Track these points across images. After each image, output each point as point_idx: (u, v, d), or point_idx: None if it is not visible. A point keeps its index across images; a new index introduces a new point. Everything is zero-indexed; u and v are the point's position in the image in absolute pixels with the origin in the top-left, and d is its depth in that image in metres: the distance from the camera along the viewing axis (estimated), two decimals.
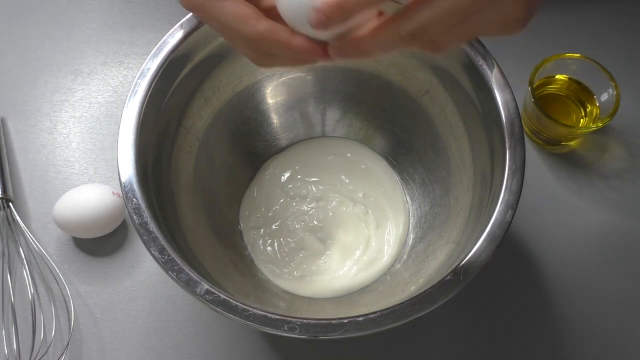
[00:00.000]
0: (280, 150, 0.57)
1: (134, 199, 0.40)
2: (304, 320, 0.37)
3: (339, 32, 0.31)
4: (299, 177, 0.55)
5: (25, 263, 0.52)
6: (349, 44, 0.31)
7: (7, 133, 0.60)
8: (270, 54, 0.32)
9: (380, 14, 0.31)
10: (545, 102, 0.57)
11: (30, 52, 0.64)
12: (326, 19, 0.28)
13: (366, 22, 0.31)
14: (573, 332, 0.51)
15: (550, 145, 0.58)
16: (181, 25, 0.45)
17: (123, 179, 0.41)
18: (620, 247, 0.54)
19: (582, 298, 0.52)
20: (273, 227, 0.53)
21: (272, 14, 0.32)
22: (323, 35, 0.31)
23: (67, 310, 0.51)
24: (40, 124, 0.61)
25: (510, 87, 0.43)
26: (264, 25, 0.30)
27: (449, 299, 0.37)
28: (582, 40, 0.62)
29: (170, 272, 0.38)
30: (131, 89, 0.44)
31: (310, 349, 0.50)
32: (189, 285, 0.38)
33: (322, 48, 0.31)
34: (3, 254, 0.53)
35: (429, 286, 0.38)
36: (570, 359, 0.50)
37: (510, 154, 0.41)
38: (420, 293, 0.38)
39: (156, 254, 0.39)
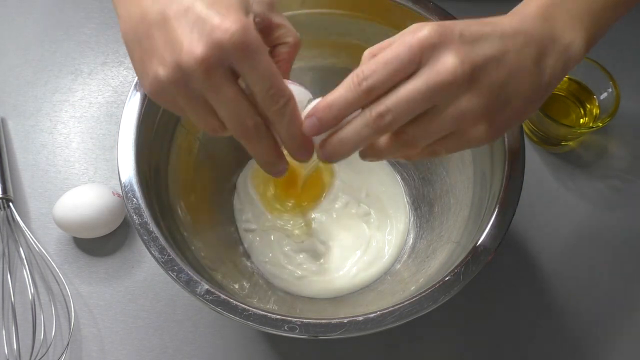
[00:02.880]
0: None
1: (134, 199, 0.40)
2: (304, 320, 0.37)
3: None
4: None
5: (26, 263, 0.52)
6: (330, 142, 0.33)
7: (7, 133, 0.60)
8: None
9: None
10: (545, 102, 0.57)
11: (30, 52, 0.64)
12: (319, 123, 0.32)
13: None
14: (573, 330, 0.51)
15: (550, 145, 0.58)
16: None
17: (123, 179, 0.41)
18: (620, 246, 0.54)
19: (582, 297, 0.52)
20: (272, 227, 0.53)
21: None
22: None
23: (67, 310, 0.51)
24: (40, 124, 0.61)
25: None
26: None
27: (449, 299, 0.37)
28: None
29: (170, 272, 0.38)
30: (131, 89, 0.44)
31: (310, 349, 0.50)
32: (189, 285, 0.38)
33: (312, 145, 0.34)
34: (3, 254, 0.53)
35: (429, 286, 0.38)
36: (570, 358, 0.50)
37: (510, 154, 0.41)
38: (420, 293, 0.38)
39: (156, 254, 0.39)
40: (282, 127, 0.33)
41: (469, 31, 0.31)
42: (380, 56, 0.30)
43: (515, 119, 0.34)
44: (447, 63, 0.30)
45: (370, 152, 0.34)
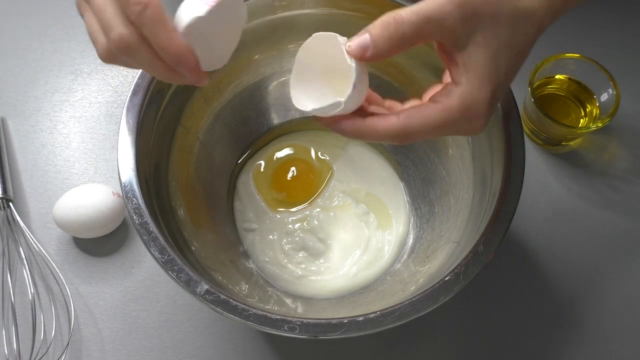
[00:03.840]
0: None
1: (134, 199, 0.40)
2: (304, 320, 0.37)
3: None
4: None
5: (26, 263, 0.52)
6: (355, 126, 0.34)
7: (7, 133, 0.60)
8: (139, 44, 0.31)
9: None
10: (545, 102, 0.57)
11: (30, 52, 0.64)
12: (374, 46, 0.31)
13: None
14: (573, 331, 0.51)
15: (550, 145, 0.58)
16: None
17: (123, 179, 0.41)
18: (619, 246, 0.54)
19: (582, 297, 0.52)
20: (272, 227, 0.53)
21: None
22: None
23: (67, 310, 0.51)
24: (40, 124, 0.61)
25: (510, 87, 0.43)
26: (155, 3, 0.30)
27: (449, 299, 0.37)
28: (582, 40, 0.62)
29: (170, 272, 0.38)
30: (131, 89, 0.44)
31: (310, 349, 0.50)
32: (189, 285, 0.38)
33: (194, 61, 0.32)
34: (3, 254, 0.53)
35: (429, 286, 0.38)
36: (570, 358, 0.50)
37: (510, 154, 0.41)
38: (420, 293, 0.38)
39: (156, 254, 0.39)
40: (148, 37, 0.31)
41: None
42: (422, 119, 0.32)
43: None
44: (478, 125, 0.33)
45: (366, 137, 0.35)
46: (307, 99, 0.36)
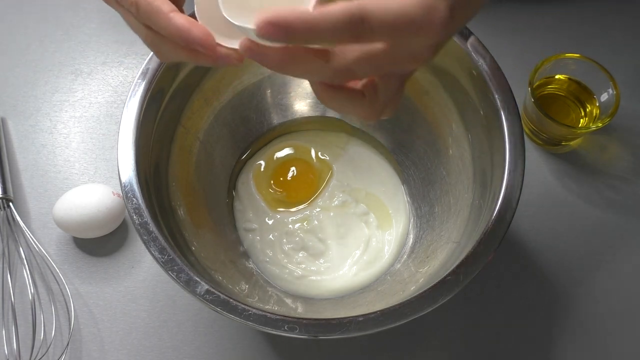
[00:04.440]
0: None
1: (134, 199, 0.40)
2: (304, 320, 0.37)
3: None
4: None
5: (26, 263, 0.52)
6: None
7: (7, 133, 0.60)
8: (157, 39, 0.31)
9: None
10: (545, 102, 0.57)
11: (30, 52, 0.64)
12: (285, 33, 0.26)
13: None
14: (573, 331, 0.51)
15: (550, 145, 0.58)
16: None
17: (123, 179, 0.41)
18: (620, 246, 0.54)
19: (582, 297, 0.52)
20: (272, 227, 0.53)
21: None
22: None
23: (67, 310, 0.51)
24: (40, 124, 0.61)
25: (510, 87, 0.43)
26: None
27: (449, 299, 0.37)
28: (582, 40, 0.62)
29: (170, 272, 0.38)
30: (131, 89, 0.44)
31: (310, 349, 0.50)
32: (189, 285, 0.38)
33: (199, 34, 0.29)
34: (3, 254, 0.53)
35: (429, 286, 0.38)
36: (570, 358, 0.50)
37: (510, 154, 0.41)
38: (420, 293, 0.38)
39: (156, 254, 0.39)
40: (155, 29, 0.30)
41: None
42: (379, 4, 0.26)
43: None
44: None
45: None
46: (239, 11, 0.29)
